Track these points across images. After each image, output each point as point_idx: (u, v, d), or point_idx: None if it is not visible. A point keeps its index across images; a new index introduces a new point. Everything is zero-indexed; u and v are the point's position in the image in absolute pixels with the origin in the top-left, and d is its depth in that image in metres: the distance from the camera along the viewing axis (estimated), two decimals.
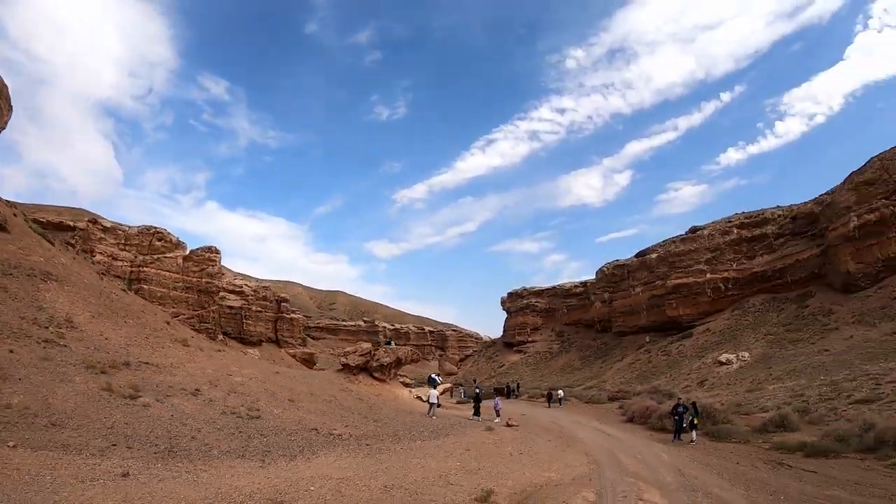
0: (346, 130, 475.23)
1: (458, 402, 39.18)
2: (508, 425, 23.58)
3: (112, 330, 20.87)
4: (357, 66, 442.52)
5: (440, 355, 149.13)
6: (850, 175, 59.28)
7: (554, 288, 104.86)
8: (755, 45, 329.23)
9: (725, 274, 68.56)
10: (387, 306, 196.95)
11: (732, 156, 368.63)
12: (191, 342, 25.18)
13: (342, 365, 29.45)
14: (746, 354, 51.96)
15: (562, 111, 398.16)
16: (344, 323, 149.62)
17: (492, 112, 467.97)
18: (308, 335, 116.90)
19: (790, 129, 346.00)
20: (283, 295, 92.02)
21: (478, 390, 31.92)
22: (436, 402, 26.23)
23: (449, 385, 45.52)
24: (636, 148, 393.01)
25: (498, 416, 26.49)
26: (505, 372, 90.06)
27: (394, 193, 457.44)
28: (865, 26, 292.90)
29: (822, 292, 58.73)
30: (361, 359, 28.99)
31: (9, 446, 9.32)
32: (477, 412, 27.21)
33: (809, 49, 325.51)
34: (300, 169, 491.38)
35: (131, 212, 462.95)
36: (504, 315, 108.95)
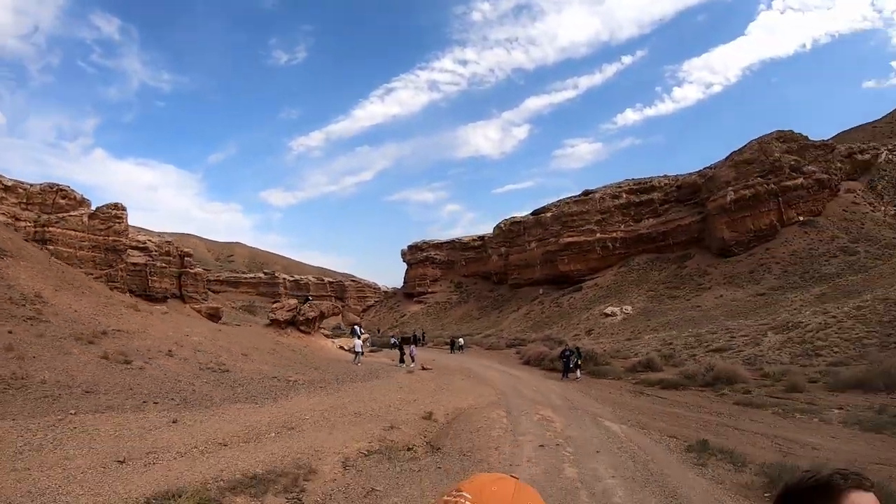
0: (243, 75, 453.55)
1: (371, 351, 41.03)
2: (424, 369, 25.86)
3: (76, 301, 21.69)
4: (257, 8, 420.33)
5: (342, 305, 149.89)
6: (731, 154, 65.36)
7: (453, 241, 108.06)
8: (660, 13, 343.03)
9: (614, 234, 73.82)
10: (286, 257, 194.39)
11: (630, 116, 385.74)
12: (140, 307, 25.77)
13: (270, 320, 30.78)
14: (629, 308, 56.99)
15: (464, 63, 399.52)
16: (244, 275, 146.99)
17: (393, 61, 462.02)
18: (209, 289, 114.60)
19: (687, 95, 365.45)
20: (186, 249, 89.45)
21: (400, 339, 33.95)
22: (360, 350, 28.05)
23: (368, 335, 47.24)
24: (536, 103, 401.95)
25: (413, 361, 28.56)
26: (406, 321, 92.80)
27: (290, 141, 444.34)
28: (769, 6, 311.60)
29: (700, 255, 64.79)
30: (289, 314, 30.43)
31: (71, 414, 10.55)
32: (402, 359, 29.15)
33: (713, 21, 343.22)
34: (194, 115, 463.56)
35: (15, 162, 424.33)
36: (403, 266, 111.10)
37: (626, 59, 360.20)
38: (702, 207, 67.04)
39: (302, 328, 30.57)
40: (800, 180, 61.10)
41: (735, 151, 65.68)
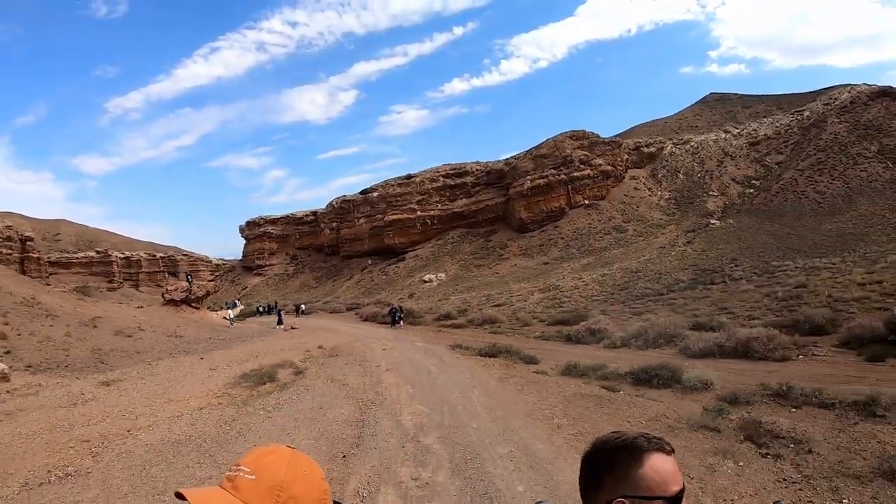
0: (56, 25, 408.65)
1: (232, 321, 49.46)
2: (293, 328, 35.36)
3: (46, 297, 27.88)
4: None
5: (211, 282, 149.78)
6: (531, 149, 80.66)
7: (287, 216, 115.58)
8: None
9: (432, 212, 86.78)
10: (115, 234, 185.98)
11: (457, 86, 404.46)
12: (87, 295, 32.72)
13: (166, 300, 38.18)
14: (443, 275, 70.01)
15: (294, 24, 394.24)
16: (75, 255, 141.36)
17: (219, 18, 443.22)
18: None
19: (514, 68, 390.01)
20: (27, 234, 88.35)
21: (269, 307, 43.21)
22: (233, 317, 37.30)
23: (242, 307, 55.08)
24: (365, 69, 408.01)
25: (281, 323, 37.95)
26: (249, 294, 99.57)
27: (107, 101, 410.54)
28: None
29: (503, 231, 79.56)
30: (183, 294, 38.21)
31: (150, 363, 18.69)
32: (281, 321, 38.25)
33: (545, 1, 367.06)
34: None
35: None
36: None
37: (458, 30, 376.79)
38: (506, 191, 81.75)
39: (193, 305, 38.85)
40: (587, 171, 77.67)
41: (534, 147, 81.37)
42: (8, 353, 18.42)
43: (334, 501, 1.31)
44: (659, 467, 1.33)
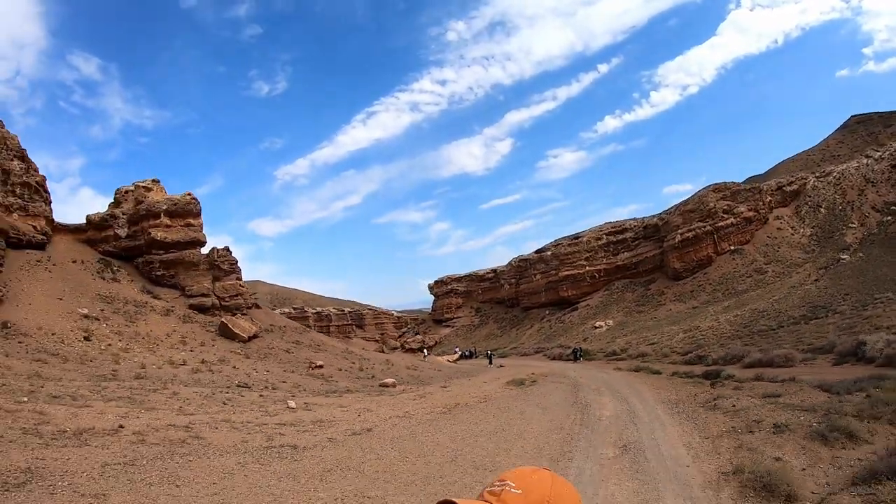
0: (225, 107, 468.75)
1: (456, 360, 64.22)
2: (500, 366, 49.12)
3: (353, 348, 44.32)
4: (235, 41, 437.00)
5: (424, 334, 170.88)
6: (678, 204, 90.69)
7: (470, 274, 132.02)
8: (632, 21, 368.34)
9: (599, 266, 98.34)
10: (303, 291, 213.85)
11: (610, 123, 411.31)
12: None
13: (405, 349, 53.91)
14: (611, 321, 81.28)
15: (443, 83, 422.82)
16: (274, 311, 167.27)
17: (373, 85, 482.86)
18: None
19: (665, 98, 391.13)
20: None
21: (489, 352, 57.83)
22: (457, 359, 52.13)
23: (460, 352, 69.96)
24: (516, 117, 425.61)
25: (492, 362, 51.84)
26: (443, 342, 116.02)
27: (276, 170, 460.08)
28: (738, 4, 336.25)
29: (661, 280, 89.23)
30: (417, 344, 53.97)
31: (442, 382, 33.77)
32: (491, 361, 52.26)
33: (684, 24, 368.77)
34: (178, 149, 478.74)
35: None
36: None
37: (603, 68, 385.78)
38: (661, 244, 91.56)
39: (427, 351, 54.47)
40: (730, 220, 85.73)
41: (681, 203, 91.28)
42: (364, 373, 34.00)
43: None
44: None
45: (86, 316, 30.61)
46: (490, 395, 22.31)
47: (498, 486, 1.26)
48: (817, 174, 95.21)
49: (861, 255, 72.21)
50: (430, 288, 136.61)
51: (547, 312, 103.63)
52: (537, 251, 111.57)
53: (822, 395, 16.59)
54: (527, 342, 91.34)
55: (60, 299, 32.10)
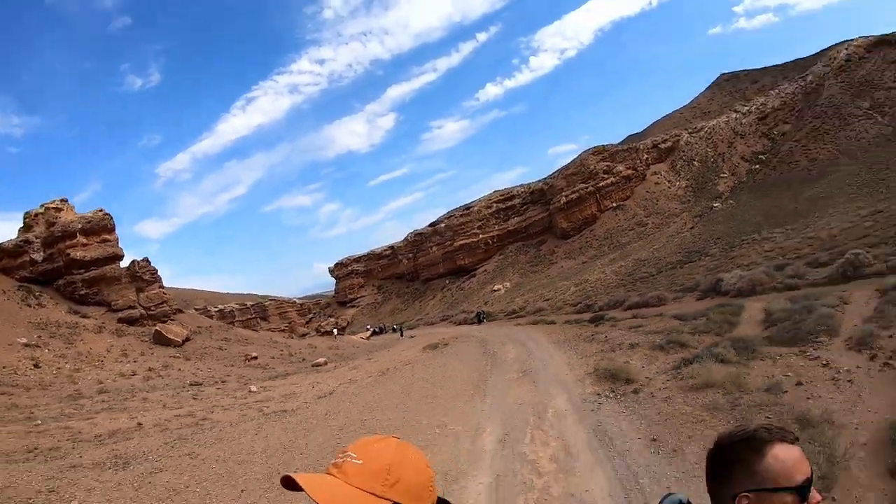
0: (98, 106, 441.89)
1: (369, 338, 67.75)
2: (412, 337, 53.28)
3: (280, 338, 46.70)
4: (104, 35, 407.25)
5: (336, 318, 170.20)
6: (561, 169, 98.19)
7: (368, 253, 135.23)
8: None
9: (491, 233, 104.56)
10: (202, 290, 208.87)
11: (491, 91, 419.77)
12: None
13: (321, 332, 56.82)
14: (508, 284, 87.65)
15: (321, 62, 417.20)
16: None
17: (250, 70, 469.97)
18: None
19: (543, 63, 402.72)
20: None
21: (397, 326, 61.85)
22: (369, 336, 55.93)
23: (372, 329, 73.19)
24: (397, 91, 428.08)
25: (402, 335, 55.83)
26: (352, 322, 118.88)
27: (156, 168, 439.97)
28: None
29: (550, 240, 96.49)
30: (332, 327, 57.05)
31: (368, 354, 37.25)
32: (401, 334, 56.27)
33: None
34: (51, 156, 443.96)
35: None
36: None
37: (481, 37, 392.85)
38: (548, 206, 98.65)
39: (342, 333, 57.85)
40: (611, 179, 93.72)
41: (564, 167, 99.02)
42: (295, 357, 37.31)
43: (439, 498, 1.31)
44: (782, 457, 1.33)
45: (26, 345, 31.36)
46: (413, 359, 26.32)
47: (340, 458, 1.23)
48: (690, 130, 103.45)
49: (731, 201, 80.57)
50: (331, 271, 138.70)
51: (447, 282, 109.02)
52: (431, 224, 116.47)
53: (676, 322, 21.56)
54: (431, 312, 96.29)
55: None
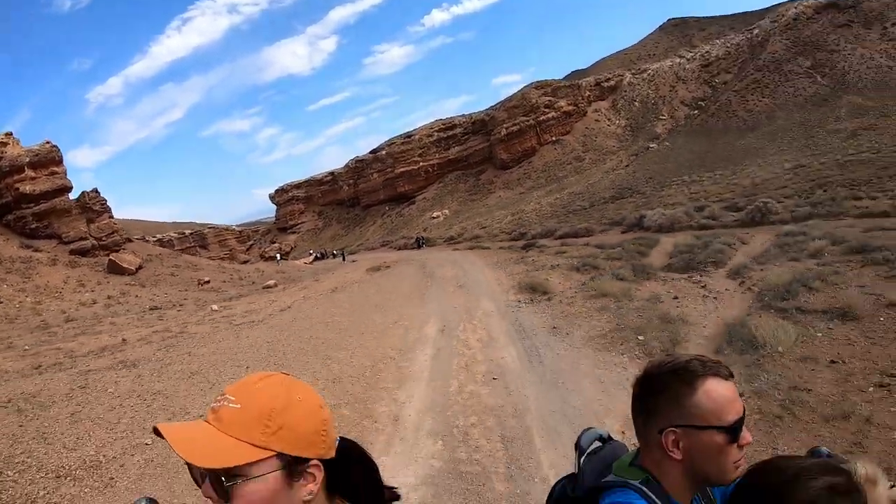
0: (25, 29, 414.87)
1: (311, 263, 69.66)
2: (354, 261, 55.66)
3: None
4: None
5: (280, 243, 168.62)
6: (503, 101, 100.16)
7: (309, 179, 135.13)
8: None
9: (432, 161, 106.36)
10: (139, 220, 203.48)
11: (437, 16, 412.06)
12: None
13: (266, 257, 58.33)
14: (447, 211, 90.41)
15: None
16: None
17: None
18: None
19: None
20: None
21: (338, 251, 63.77)
22: (311, 261, 57.83)
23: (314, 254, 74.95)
24: (340, 13, 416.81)
25: (344, 259, 58.18)
26: (296, 248, 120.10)
27: (87, 93, 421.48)
28: None
29: (490, 171, 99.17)
30: (276, 253, 58.59)
31: (317, 276, 39.21)
32: (344, 258, 58.44)
33: None
34: None
35: None
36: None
37: None
38: (489, 137, 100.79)
39: (285, 258, 59.51)
40: (551, 114, 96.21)
41: (506, 99, 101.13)
42: (245, 281, 39.26)
43: (342, 437, 1.17)
44: (714, 393, 1.24)
45: None
46: (359, 279, 28.72)
47: (218, 402, 1.05)
48: (633, 71, 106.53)
49: (667, 143, 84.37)
50: (271, 197, 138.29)
51: (387, 208, 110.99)
52: (372, 151, 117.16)
53: (596, 250, 24.61)
54: (371, 238, 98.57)
55: None
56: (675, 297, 12.29)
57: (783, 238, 18.12)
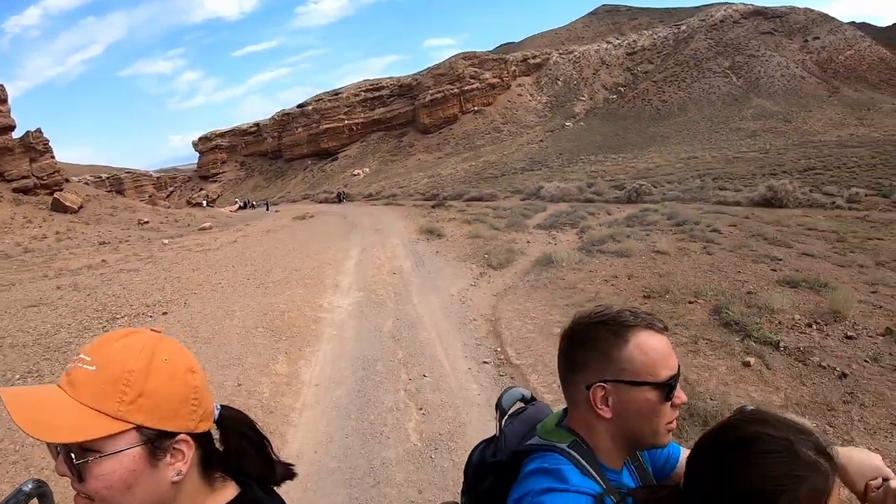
0: None
1: (236, 211, 72.45)
2: (277, 211, 59.34)
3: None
4: None
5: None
6: (430, 68, 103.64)
7: (234, 129, 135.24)
8: None
9: (357, 120, 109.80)
10: (60, 162, 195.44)
11: None
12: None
13: (192, 204, 60.94)
14: (367, 169, 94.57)
15: None
16: None
17: None
18: None
19: None
20: None
21: (261, 201, 66.90)
22: (236, 209, 61.14)
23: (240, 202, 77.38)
24: None
25: (268, 209, 61.71)
26: (218, 196, 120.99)
27: (1, 22, 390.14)
28: None
29: (412, 134, 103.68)
30: (203, 199, 61.30)
31: (246, 222, 42.82)
32: (268, 208, 61.86)
33: None
34: None
35: None
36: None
37: None
38: (413, 101, 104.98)
39: (211, 205, 62.45)
40: (476, 84, 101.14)
41: (433, 66, 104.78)
42: (181, 223, 42.70)
43: (223, 406, 1.03)
44: (647, 347, 1.15)
45: None
46: (287, 225, 32.94)
47: (73, 363, 0.89)
48: (561, 51, 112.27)
49: (582, 123, 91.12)
50: (195, 145, 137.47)
51: (309, 163, 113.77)
52: (299, 105, 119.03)
53: (490, 210, 30.11)
54: (293, 191, 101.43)
55: None
56: (528, 242, 17.70)
57: (639, 213, 22.54)
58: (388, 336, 8.29)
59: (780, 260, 10.57)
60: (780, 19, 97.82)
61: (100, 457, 0.84)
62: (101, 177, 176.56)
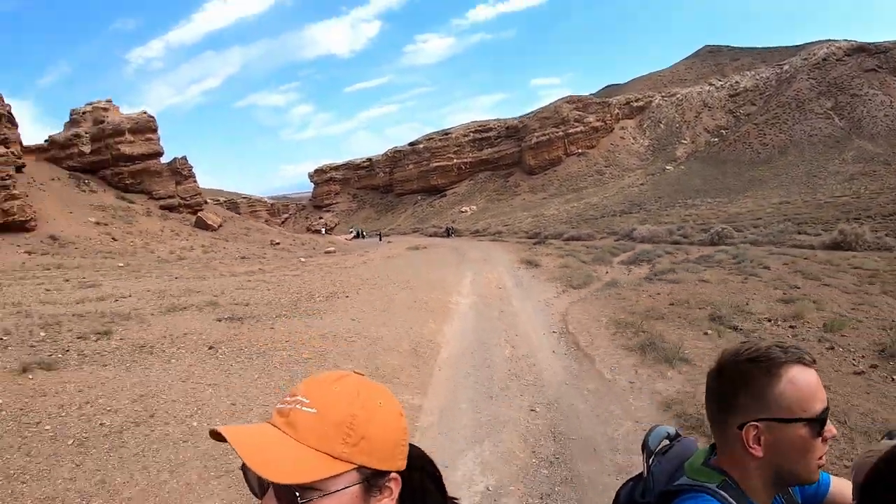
0: None
1: (351, 239, 79.44)
2: (389, 242, 65.16)
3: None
4: None
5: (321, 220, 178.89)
6: (536, 111, 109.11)
7: (347, 163, 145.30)
8: None
9: (465, 159, 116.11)
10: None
11: (481, 12, 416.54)
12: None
13: (312, 230, 68.05)
14: (474, 207, 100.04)
15: None
16: None
17: None
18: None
19: None
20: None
21: (371, 232, 73.32)
22: (351, 238, 67.61)
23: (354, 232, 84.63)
24: None
25: (381, 240, 67.77)
26: (336, 224, 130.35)
27: (127, 53, 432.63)
28: None
29: (518, 174, 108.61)
30: (323, 227, 68.41)
31: (368, 249, 48.89)
32: (380, 239, 68.06)
33: None
34: (16, 35, 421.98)
35: None
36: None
37: None
38: (520, 143, 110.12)
39: (328, 232, 69.29)
40: (580, 128, 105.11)
41: (539, 109, 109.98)
42: (307, 246, 48.96)
43: (411, 446, 1.03)
44: (799, 382, 1.14)
45: (97, 223, 38.23)
46: (403, 254, 37.31)
47: (287, 404, 0.94)
48: (664, 94, 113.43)
49: (683, 167, 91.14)
50: (310, 176, 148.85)
51: (419, 198, 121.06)
52: (410, 143, 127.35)
53: (585, 249, 33.94)
54: (403, 224, 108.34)
55: (71, 213, 38.83)
56: (606, 272, 21.54)
57: (712, 254, 24.79)
58: (495, 318, 12.79)
59: (798, 288, 13.50)
60: (884, 55, 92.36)
61: (322, 495, 0.89)
62: (218, 200, 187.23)
